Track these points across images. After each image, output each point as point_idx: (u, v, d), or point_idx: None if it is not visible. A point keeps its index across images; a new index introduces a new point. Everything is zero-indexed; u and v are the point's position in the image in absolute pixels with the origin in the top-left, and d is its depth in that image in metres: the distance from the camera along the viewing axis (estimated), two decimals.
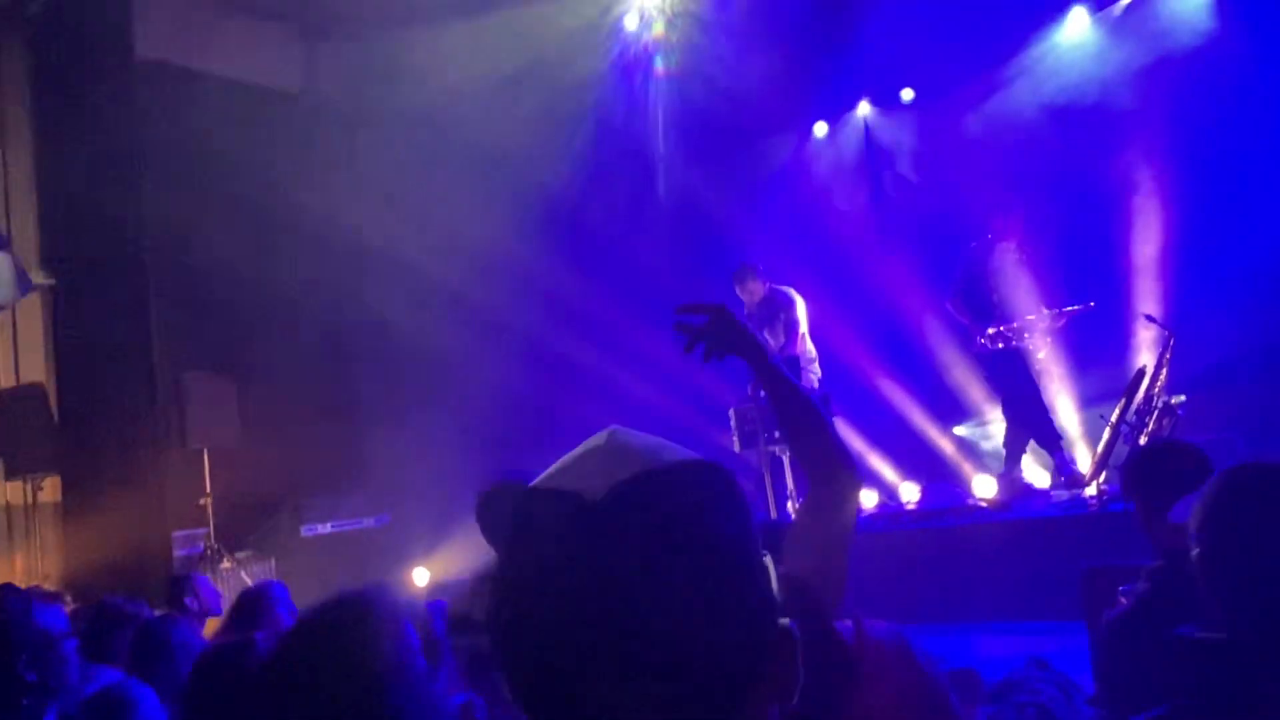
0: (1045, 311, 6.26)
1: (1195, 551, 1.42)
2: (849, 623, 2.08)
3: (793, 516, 6.28)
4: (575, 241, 8.26)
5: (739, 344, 1.55)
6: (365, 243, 8.15)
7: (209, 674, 1.88)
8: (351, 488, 8.17)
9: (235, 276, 7.34)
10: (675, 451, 0.79)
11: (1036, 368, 6.28)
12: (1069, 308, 6.23)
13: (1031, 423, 6.25)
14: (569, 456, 0.80)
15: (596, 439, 0.80)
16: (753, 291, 6.47)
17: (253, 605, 3.20)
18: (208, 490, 6.91)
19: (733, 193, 8.13)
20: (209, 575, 6.25)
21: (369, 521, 7.98)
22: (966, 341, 6.80)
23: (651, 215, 8.25)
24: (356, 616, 1.47)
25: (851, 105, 8.51)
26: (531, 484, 0.78)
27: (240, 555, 6.95)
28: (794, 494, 6.49)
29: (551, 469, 0.79)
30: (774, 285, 6.61)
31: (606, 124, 8.39)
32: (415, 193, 8.26)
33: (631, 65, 8.55)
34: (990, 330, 6.32)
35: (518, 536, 0.76)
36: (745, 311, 6.44)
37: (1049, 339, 6.34)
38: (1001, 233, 6.40)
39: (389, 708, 1.37)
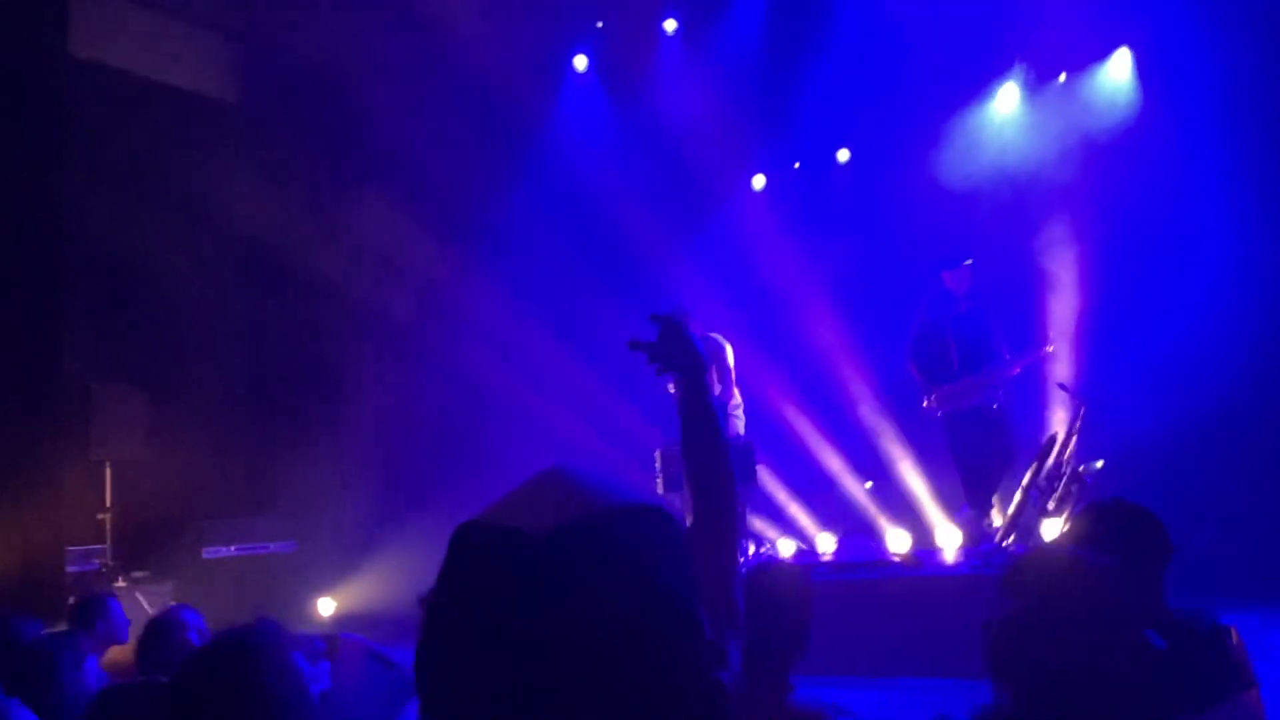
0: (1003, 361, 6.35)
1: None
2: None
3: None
4: (508, 271, 8.22)
5: (680, 356, 1.52)
6: (294, 261, 7.99)
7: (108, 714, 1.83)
8: (259, 511, 7.92)
9: (158, 287, 7.13)
10: (622, 492, 0.77)
11: (991, 421, 6.31)
12: (1025, 360, 6.34)
13: (979, 477, 6.36)
14: (514, 490, 0.78)
15: (543, 474, 0.78)
16: None
17: (164, 632, 3.07)
18: (108, 505, 6.62)
19: (670, 234, 8.21)
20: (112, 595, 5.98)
21: (274, 547, 7.72)
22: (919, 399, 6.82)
23: (587, 249, 8.26)
24: (242, 654, 1.45)
25: (790, 160, 8.70)
26: (472, 518, 0.76)
27: (137, 575, 6.66)
28: None
29: (495, 503, 0.77)
30: (705, 332, 6.64)
31: (547, 153, 8.44)
32: (346, 211, 8.16)
33: (577, 100, 8.65)
34: (930, 397, 6.43)
35: (452, 568, 0.74)
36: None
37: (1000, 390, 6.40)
38: (954, 288, 6.49)
39: None
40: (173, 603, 5.69)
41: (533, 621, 0.68)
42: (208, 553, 7.34)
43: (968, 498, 6.46)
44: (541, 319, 7.95)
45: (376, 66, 8.11)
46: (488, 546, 0.72)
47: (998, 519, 6.32)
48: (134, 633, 3.47)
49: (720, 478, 1.37)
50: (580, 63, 8.60)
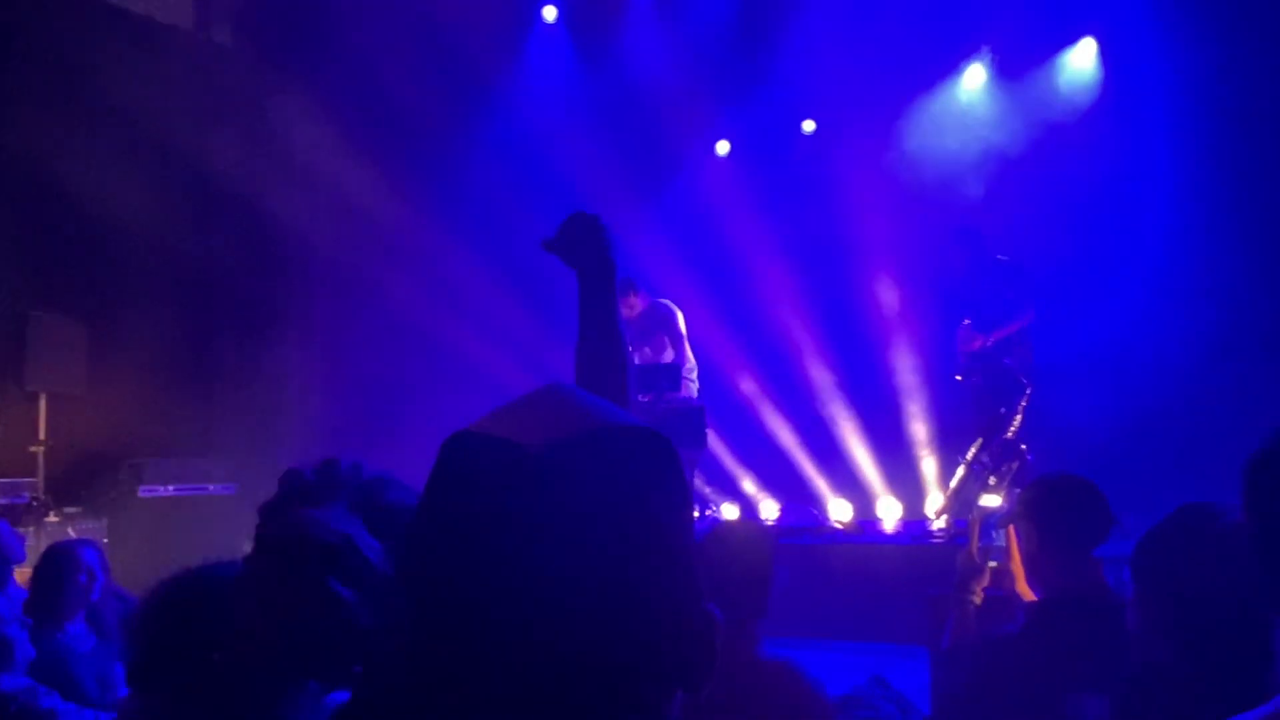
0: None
1: (1136, 590, 1.42)
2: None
3: None
4: (464, 219, 8.09)
5: (586, 249, 1.36)
6: (241, 195, 7.78)
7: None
8: (199, 451, 7.76)
9: (100, 217, 6.88)
10: (621, 414, 0.74)
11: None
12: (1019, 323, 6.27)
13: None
14: (509, 404, 0.74)
15: (539, 390, 0.75)
16: (631, 305, 6.45)
17: (54, 567, 3.07)
18: (41, 438, 6.43)
19: (630, 195, 8.15)
20: (30, 529, 5.83)
21: (214, 488, 7.57)
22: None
23: (546, 203, 8.17)
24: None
25: (755, 129, 8.67)
26: (465, 428, 0.72)
27: (70, 510, 6.50)
28: None
29: (488, 414, 0.73)
30: (654, 299, 6.63)
31: (511, 102, 8.29)
32: (299, 147, 7.95)
33: (544, 51, 8.51)
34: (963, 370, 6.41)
35: (442, 480, 0.70)
36: (627, 323, 6.40)
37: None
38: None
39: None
40: (100, 540, 5.59)
41: (524, 536, 0.65)
42: (144, 491, 7.16)
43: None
44: (494, 270, 7.86)
45: (341, 5, 7.89)
46: (480, 456, 0.68)
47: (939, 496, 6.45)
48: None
49: (613, 393, 1.26)
50: (550, 13, 8.45)
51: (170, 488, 7.38)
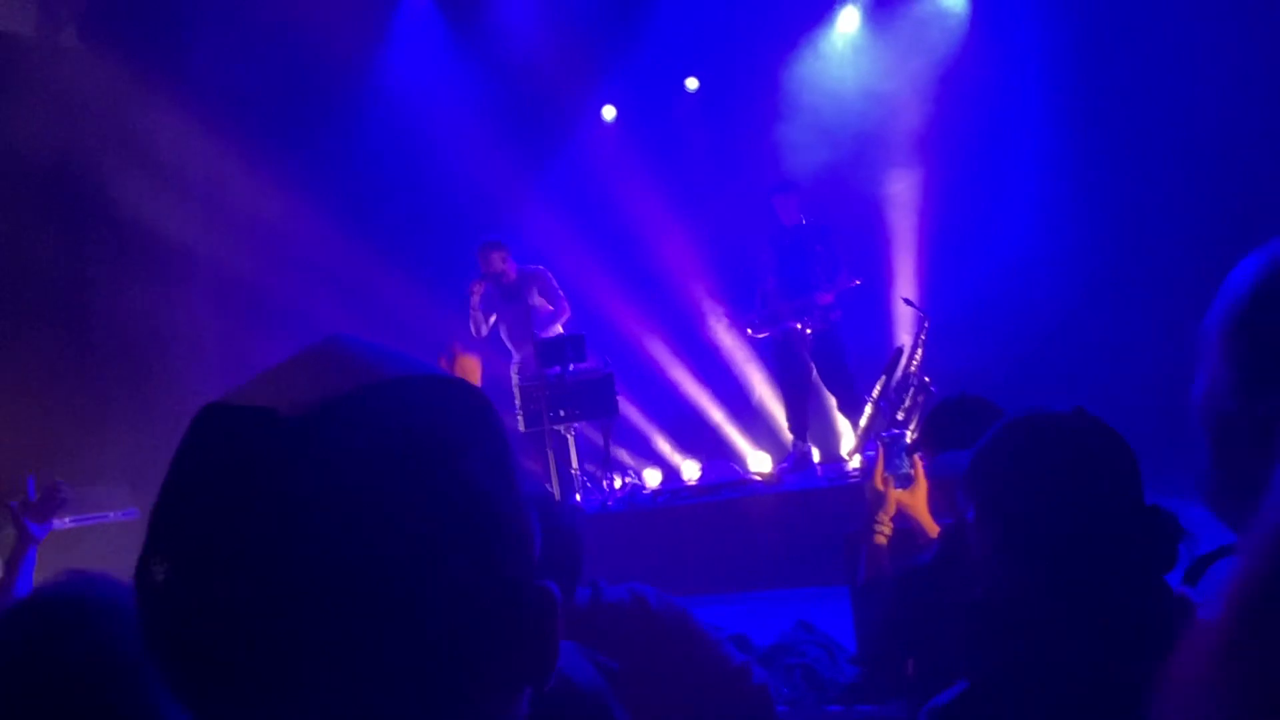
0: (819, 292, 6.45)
1: (969, 511, 1.35)
2: (587, 589, 2.00)
3: (579, 499, 6.29)
4: (344, 207, 7.82)
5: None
6: (116, 207, 7.40)
7: None
8: (95, 479, 7.40)
9: None
10: (415, 364, 0.60)
11: (807, 348, 6.42)
12: (837, 288, 6.39)
13: (796, 403, 6.52)
14: (275, 365, 0.61)
15: (312, 346, 0.61)
16: (504, 270, 6.35)
17: None
18: None
19: (517, 166, 8.00)
20: None
21: (114, 515, 7.24)
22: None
23: (428, 182, 7.97)
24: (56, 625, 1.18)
25: (640, 92, 8.57)
26: (218, 399, 0.58)
27: None
28: (578, 474, 6.48)
29: (248, 381, 0.59)
30: (521, 265, 6.54)
31: (382, 81, 8.06)
32: (167, 150, 7.59)
33: (415, 30, 8.27)
34: (754, 322, 6.53)
35: (186, 460, 0.56)
36: (487, 287, 6.32)
37: (827, 318, 6.50)
38: (782, 215, 6.56)
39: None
40: None
41: (290, 524, 0.52)
42: None
43: (787, 421, 6.63)
44: (382, 256, 7.65)
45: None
46: (232, 430, 0.55)
47: (852, 435, 6.52)
48: None
49: None
50: None
51: (67, 520, 7.03)
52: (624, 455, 7.52)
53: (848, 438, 6.66)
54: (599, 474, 6.61)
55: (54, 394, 7.30)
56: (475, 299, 6.29)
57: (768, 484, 6.07)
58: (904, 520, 2.85)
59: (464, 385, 0.61)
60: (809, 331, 6.30)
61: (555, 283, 6.55)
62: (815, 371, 6.42)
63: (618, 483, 6.73)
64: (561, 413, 6.18)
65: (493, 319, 6.43)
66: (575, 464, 6.46)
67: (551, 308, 6.46)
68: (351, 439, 0.54)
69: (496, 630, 0.57)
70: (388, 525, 0.53)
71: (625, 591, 1.95)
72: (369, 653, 0.53)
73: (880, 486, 2.74)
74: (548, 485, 5.99)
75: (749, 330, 6.64)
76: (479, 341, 6.27)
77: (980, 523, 1.34)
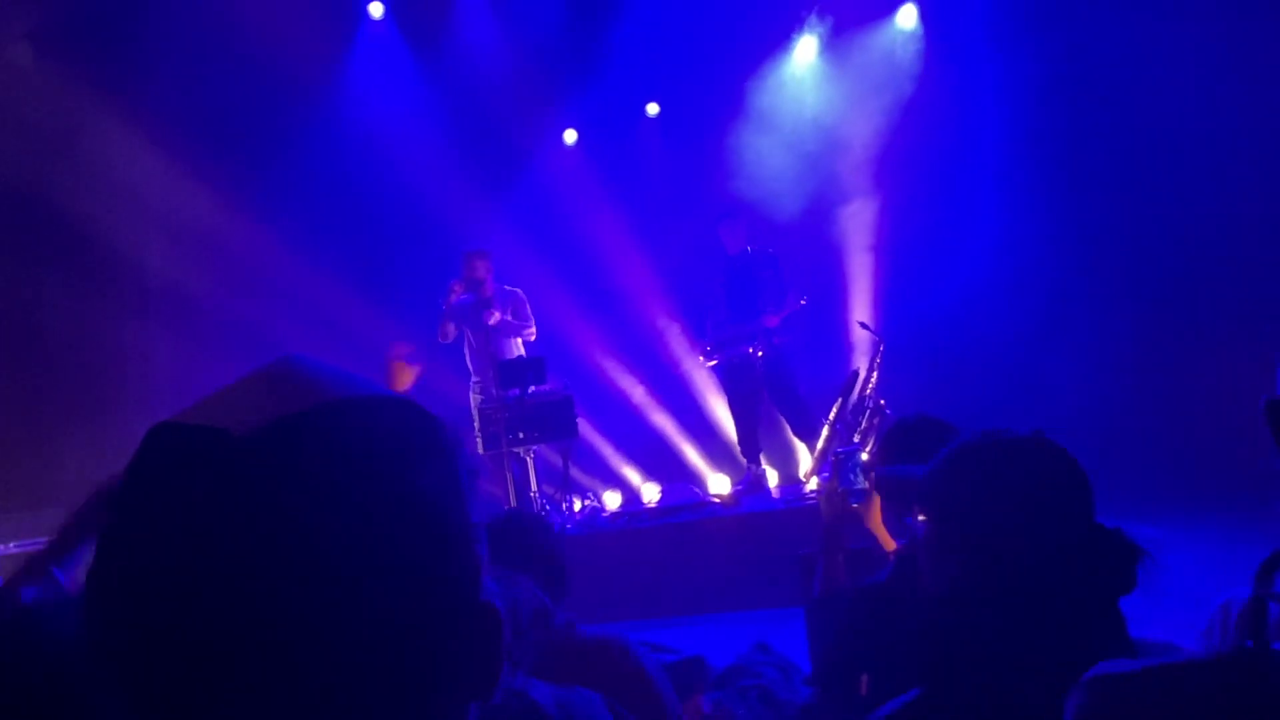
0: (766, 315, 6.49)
1: (923, 526, 1.36)
2: (563, 623, 2.05)
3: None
4: (305, 230, 7.78)
5: None
6: (66, 226, 7.30)
7: None
8: (44, 504, 7.24)
9: None
10: (364, 384, 0.62)
11: (758, 372, 6.43)
12: (783, 311, 6.39)
13: (748, 427, 6.57)
14: (228, 385, 0.62)
15: (266, 366, 0.63)
16: (485, 280, 6.38)
17: None
18: None
19: (479, 190, 8.02)
20: None
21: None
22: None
23: (390, 205, 7.96)
24: None
25: (601, 116, 8.64)
26: (169, 418, 0.59)
27: None
28: (537, 496, 6.47)
29: (200, 400, 0.61)
30: (501, 285, 6.58)
31: (343, 105, 8.05)
32: (124, 170, 7.51)
33: (375, 52, 8.27)
34: (706, 349, 6.58)
35: (135, 482, 0.57)
36: (477, 293, 6.34)
37: (772, 342, 6.56)
38: (727, 244, 6.59)
39: None
40: None
41: (238, 542, 0.53)
42: None
43: (740, 445, 6.68)
44: (343, 278, 7.61)
45: (154, 15, 7.47)
46: (182, 451, 0.56)
47: (808, 458, 6.57)
48: None
49: None
50: (376, 10, 8.20)
51: (11, 545, 6.88)
52: (583, 477, 7.52)
53: (805, 460, 6.72)
54: (558, 496, 6.61)
55: (4, 417, 7.16)
56: (453, 297, 6.30)
57: (726, 506, 6.11)
58: (861, 540, 2.89)
59: (415, 406, 0.63)
60: (759, 354, 6.36)
61: (529, 309, 6.60)
62: (768, 396, 6.48)
63: (577, 505, 6.73)
64: (521, 435, 6.18)
65: (456, 324, 6.42)
66: (535, 486, 6.46)
67: (532, 327, 6.53)
68: (302, 458, 0.56)
69: (444, 645, 0.59)
70: (338, 543, 0.55)
71: (600, 631, 2.04)
72: (319, 667, 0.54)
73: (835, 501, 2.78)
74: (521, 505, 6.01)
75: (701, 358, 6.71)
76: (426, 350, 6.30)
77: (931, 541, 1.35)
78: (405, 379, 6.11)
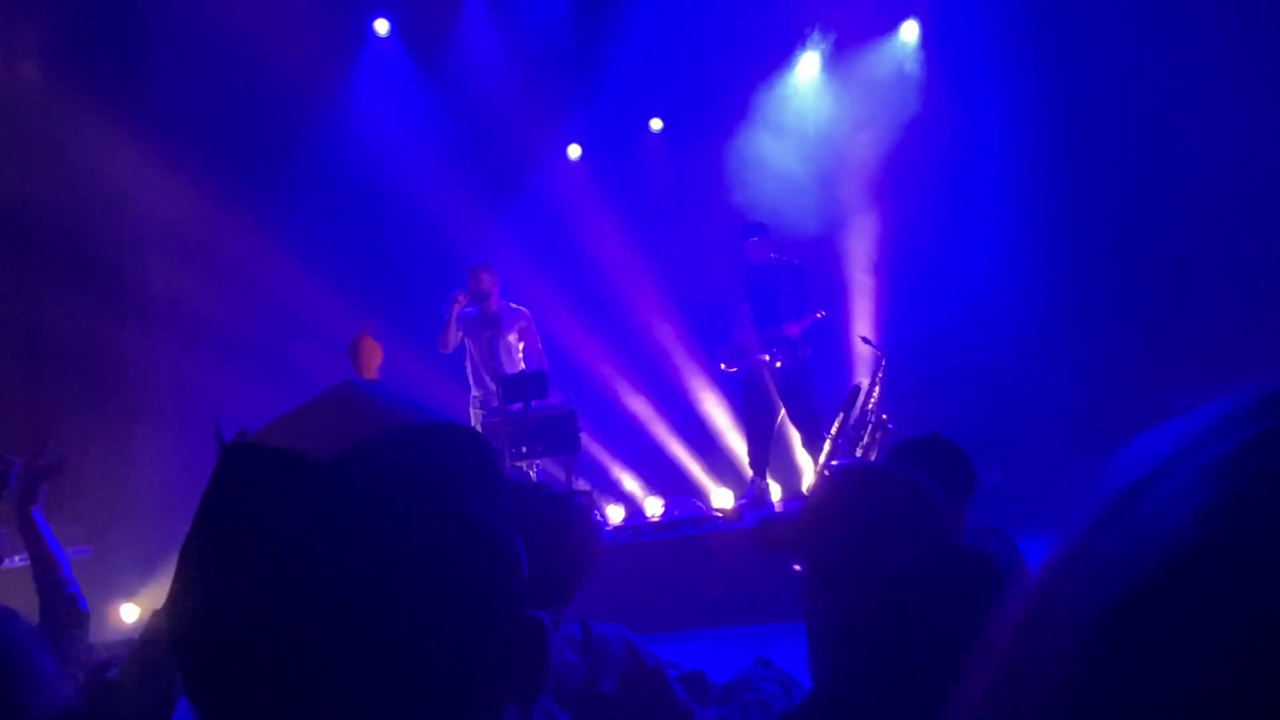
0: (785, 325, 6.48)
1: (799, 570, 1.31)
2: (576, 624, 2.07)
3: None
4: (309, 246, 7.81)
5: None
6: (70, 239, 7.33)
7: None
8: (48, 516, 7.25)
9: None
10: (422, 410, 0.68)
11: (774, 383, 6.42)
12: (804, 321, 6.38)
13: (760, 441, 6.56)
14: (296, 409, 0.67)
15: (330, 391, 0.69)
16: (490, 292, 6.39)
17: None
18: None
19: (484, 205, 8.05)
20: None
21: (68, 553, 7.10)
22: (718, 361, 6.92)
23: (397, 221, 7.99)
24: None
25: (605, 131, 8.69)
26: (244, 439, 0.65)
27: None
28: None
29: (273, 422, 0.66)
30: (507, 301, 6.58)
31: (349, 121, 8.09)
32: (127, 184, 7.54)
33: (381, 68, 8.33)
34: (726, 356, 6.58)
35: (217, 500, 0.63)
36: (482, 305, 6.35)
37: (796, 354, 6.45)
38: (752, 255, 6.57)
39: None
40: None
41: (319, 559, 0.59)
42: None
43: (749, 457, 6.66)
44: (347, 291, 7.63)
45: (160, 31, 7.54)
46: (261, 470, 0.62)
47: (812, 473, 6.57)
48: None
49: None
50: (381, 27, 8.27)
51: (17, 558, 6.89)
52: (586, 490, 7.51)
53: (810, 474, 6.72)
54: None
55: (4, 425, 7.17)
56: (457, 308, 6.31)
57: (729, 520, 6.10)
58: None
59: (469, 431, 0.69)
60: (778, 365, 6.35)
61: (536, 330, 6.56)
62: (783, 408, 6.46)
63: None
64: (524, 449, 6.18)
65: (460, 335, 6.42)
66: None
67: (522, 344, 6.48)
68: (372, 481, 0.61)
69: (493, 652, 0.64)
70: (408, 562, 0.61)
71: (610, 628, 2.07)
72: (381, 675, 0.59)
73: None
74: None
75: (721, 365, 6.67)
76: (426, 362, 6.30)
77: (804, 589, 1.31)
78: (375, 357, 6.15)
